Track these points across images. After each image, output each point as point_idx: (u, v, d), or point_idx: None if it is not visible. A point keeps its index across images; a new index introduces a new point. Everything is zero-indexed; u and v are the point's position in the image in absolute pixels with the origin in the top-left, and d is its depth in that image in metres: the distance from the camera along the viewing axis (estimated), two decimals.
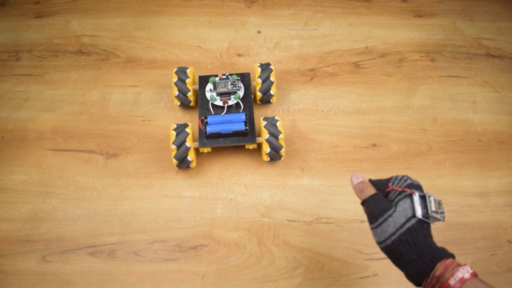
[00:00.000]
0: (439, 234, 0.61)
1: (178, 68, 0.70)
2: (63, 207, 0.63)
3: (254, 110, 0.73)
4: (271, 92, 0.70)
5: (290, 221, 0.62)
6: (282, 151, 0.63)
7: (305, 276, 0.58)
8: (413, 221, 0.37)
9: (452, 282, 0.34)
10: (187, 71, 0.69)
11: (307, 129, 0.72)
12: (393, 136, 0.71)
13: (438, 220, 0.39)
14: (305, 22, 0.88)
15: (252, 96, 0.71)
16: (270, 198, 0.64)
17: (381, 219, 0.38)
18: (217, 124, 0.63)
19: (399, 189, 0.40)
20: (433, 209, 0.38)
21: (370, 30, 0.87)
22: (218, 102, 0.67)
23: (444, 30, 0.87)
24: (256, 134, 0.67)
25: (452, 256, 0.37)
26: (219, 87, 0.68)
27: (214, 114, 0.65)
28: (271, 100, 0.72)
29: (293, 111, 0.74)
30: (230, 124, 0.63)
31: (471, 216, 0.63)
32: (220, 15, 0.88)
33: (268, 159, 0.65)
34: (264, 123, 0.64)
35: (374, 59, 0.82)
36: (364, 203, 0.41)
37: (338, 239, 0.61)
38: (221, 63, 0.80)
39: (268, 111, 0.74)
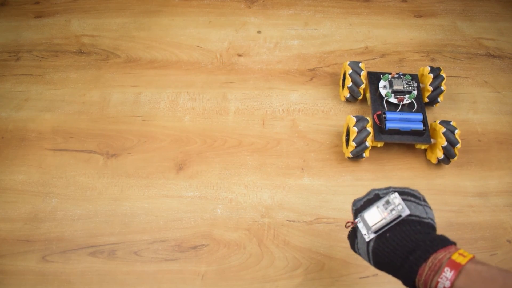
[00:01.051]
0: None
1: (351, 61, 0.71)
2: (63, 207, 0.63)
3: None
4: (438, 99, 0.71)
5: (290, 221, 0.62)
6: (458, 147, 0.63)
7: (305, 276, 0.58)
8: (372, 244, 0.38)
9: None
10: (360, 65, 0.71)
11: (307, 129, 0.72)
12: None
13: (396, 219, 0.38)
14: (305, 22, 0.88)
15: None
16: (270, 198, 0.64)
17: (356, 251, 0.42)
18: (396, 121, 0.65)
19: (351, 226, 0.42)
20: (371, 224, 0.39)
21: (370, 30, 0.87)
22: (393, 100, 0.68)
23: (444, 30, 0.87)
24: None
25: (428, 254, 0.34)
26: (395, 85, 0.69)
27: (387, 111, 0.66)
28: (434, 105, 0.74)
29: (293, 111, 0.74)
30: (409, 122, 0.64)
31: (471, 216, 0.63)
32: (220, 15, 0.88)
33: (442, 156, 0.64)
34: (437, 121, 0.65)
35: (374, 59, 0.82)
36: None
37: (338, 239, 0.61)
38: (221, 63, 0.80)
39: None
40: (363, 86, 0.70)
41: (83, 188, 0.65)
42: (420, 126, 0.64)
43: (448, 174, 0.67)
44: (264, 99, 0.76)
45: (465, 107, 0.75)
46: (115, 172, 0.67)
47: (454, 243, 0.36)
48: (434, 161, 0.66)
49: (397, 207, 0.38)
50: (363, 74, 0.70)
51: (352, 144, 0.63)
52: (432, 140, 0.65)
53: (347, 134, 0.67)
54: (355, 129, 0.63)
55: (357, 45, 0.84)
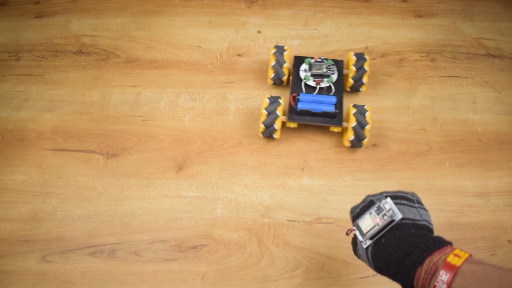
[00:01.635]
0: (439, 235, 0.61)
1: (277, 48, 0.73)
2: (63, 207, 0.63)
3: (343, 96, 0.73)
4: (363, 80, 0.72)
5: (290, 221, 0.62)
6: (367, 128, 0.64)
7: (305, 276, 0.58)
8: (370, 250, 0.39)
9: None
10: (285, 54, 0.72)
11: (307, 129, 0.72)
12: (393, 136, 0.71)
13: (389, 224, 0.38)
14: (305, 22, 0.88)
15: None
16: (270, 198, 0.64)
17: (359, 257, 0.42)
18: (308, 102, 0.66)
19: (351, 233, 0.43)
20: (365, 231, 0.39)
21: (370, 30, 0.87)
22: (311, 83, 0.69)
23: (444, 30, 0.87)
24: (343, 119, 0.69)
25: (423, 257, 0.34)
26: (315, 68, 0.71)
27: (306, 93, 0.68)
28: (360, 89, 0.74)
29: None
30: (321, 104, 0.66)
31: (471, 216, 0.63)
32: (220, 15, 0.88)
33: (352, 137, 0.65)
34: (353, 110, 0.65)
35: (374, 59, 0.82)
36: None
37: (338, 239, 0.61)
38: (221, 63, 0.80)
39: (356, 99, 0.76)
40: (285, 77, 0.72)
41: (83, 188, 0.65)
42: (331, 109, 0.65)
43: (448, 174, 0.67)
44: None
45: (465, 107, 0.75)
46: (115, 172, 0.67)
47: (449, 243, 0.36)
48: (347, 144, 0.67)
49: (388, 212, 0.38)
50: (285, 65, 0.71)
51: (264, 112, 0.65)
52: (345, 123, 0.66)
53: None
54: (267, 101, 0.65)
55: (357, 45, 0.84)
